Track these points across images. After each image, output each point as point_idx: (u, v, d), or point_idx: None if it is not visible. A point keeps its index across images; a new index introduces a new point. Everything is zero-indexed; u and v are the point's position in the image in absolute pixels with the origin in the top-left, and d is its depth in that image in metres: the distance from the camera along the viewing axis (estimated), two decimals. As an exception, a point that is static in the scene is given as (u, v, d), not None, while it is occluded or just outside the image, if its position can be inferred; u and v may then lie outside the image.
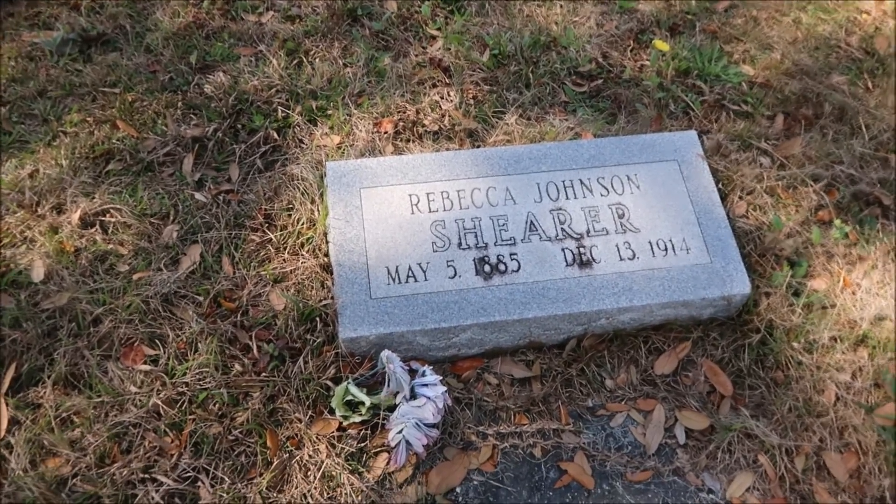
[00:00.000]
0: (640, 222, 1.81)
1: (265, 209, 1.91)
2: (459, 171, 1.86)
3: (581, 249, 1.76)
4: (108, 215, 1.87)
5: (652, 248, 1.77)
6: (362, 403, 1.58)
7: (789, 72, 2.29)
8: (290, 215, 1.89)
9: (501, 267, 1.73)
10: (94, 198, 1.89)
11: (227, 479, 1.50)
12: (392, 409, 1.59)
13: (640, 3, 2.54)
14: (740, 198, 1.95)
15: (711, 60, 2.31)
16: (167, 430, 1.55)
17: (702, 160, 1.91)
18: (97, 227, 1.84)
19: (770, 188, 1.97)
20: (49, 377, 1.59)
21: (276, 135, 2.10)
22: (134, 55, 2.29)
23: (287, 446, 1.56)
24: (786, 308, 1.75)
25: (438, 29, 2.44)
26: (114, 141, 2.04)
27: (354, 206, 1.79)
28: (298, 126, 2.12)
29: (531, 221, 1.80)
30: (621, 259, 1.76)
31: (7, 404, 1.54)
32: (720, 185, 1.93)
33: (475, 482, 1.57)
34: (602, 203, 1.84)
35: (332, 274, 1.74)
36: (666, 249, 1.77)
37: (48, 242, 1.79)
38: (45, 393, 1.57)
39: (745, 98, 2.23)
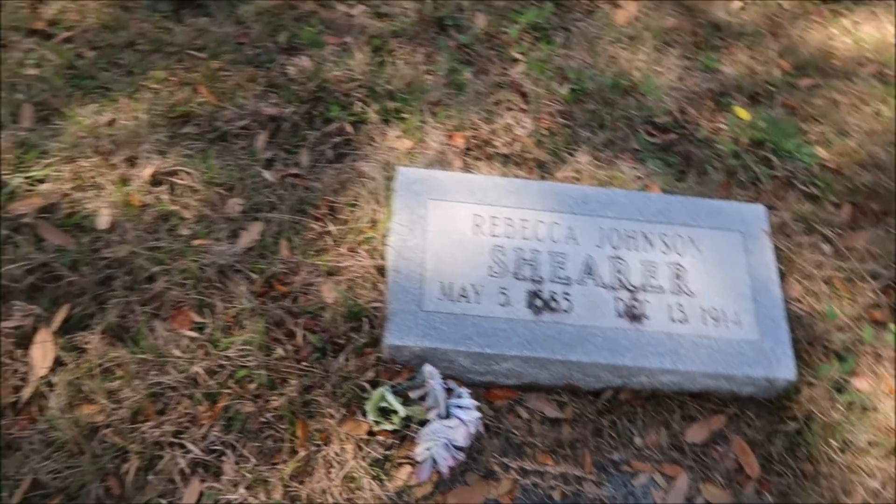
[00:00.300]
0: (696, 287, 1.81)
1: (329, 200, 1.93)
2: (527, 200, 1.87)
3: (634, 302, 1.77)
4: (177, 176, 1.89)
5: (704, 315, 1.78)
6: (396, 412, 1.59)
7: (863, 162, 2.28)
8: (352, 211, 1.91)
9: (553, 304, 1.74)
10: (167, 157, 1.92)
11: (252, 459, 1.51)
12: (424, 423, 1.59)
13: (724, 65, 2.55)
14: (797, 281, 1.95)
15: (787, 136, 2.31)
16: (202, 399, 1.56)
17: (766, 236, 1.91)
18: (166, 186, 1.86)
19: (828, 277, 1.97)
20: (98, 325, 1.61)
21: (350, 128, 2.12)
22: (224, 23, 2.32)
23: (315, 439, 1.57)
24: (827, 402, 1.74)
25: (522, 53, 2.45)
26: (193, 105, 2.06)
27: (419, 216, 1.80)
28: (373, 123, 2.14)
29: (589, 265, 1.80)
30: (672, 320, 1.76)
31: (55, 343, 1.56)
32: (779, 265, 1.92)
33: (490, 512, 1.58)
34: (661, 260, 1.84)
35: (385, 277, 1.75)
36: (717, 319, 1.77)
37: (117, 192, 1.82)
38: (91, 339, 1.59)
39: (815, 181, 2.23)
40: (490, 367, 1.69)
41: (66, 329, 1.61)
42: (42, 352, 1.56)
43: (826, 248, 2.05)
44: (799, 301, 1.92)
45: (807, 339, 1.85)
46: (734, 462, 1.72)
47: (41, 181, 1.82)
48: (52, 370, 1.54)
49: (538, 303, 1.73)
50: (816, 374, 1.78)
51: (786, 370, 1.73)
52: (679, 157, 2.25)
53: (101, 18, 2.22)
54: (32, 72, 2.04)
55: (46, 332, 1.59)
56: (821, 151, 2.33)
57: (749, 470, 1.70)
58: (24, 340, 1.57)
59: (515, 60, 2.44)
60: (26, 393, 1.53)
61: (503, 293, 1.73)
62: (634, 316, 1.75)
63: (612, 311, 1.75)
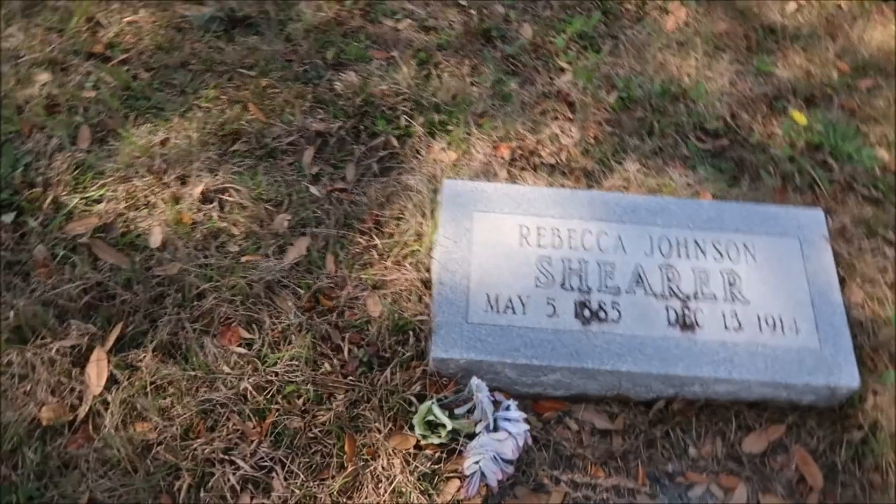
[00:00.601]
0: (751, 294, 1.75)
1: (375, 214, 1.94)
2: (574, 210, 1.84)
3: (686, 311, 1.72)
4: (226, 194, 1.93)
5: (759, 323, 1.72)
6: (443, 426, 1.58)
7: (928, 163, 2.18)
8: (398, 225, 1.91)
9: (602, 314, 1.70)
10: (217, 175, 1.96)
11: (301, 475, 1.52)
12: (471, 436, 1.58)
13: (778, 68, 2.47)
14: (859, 286, 1.87)
15: (846, 139, 2.22)
16: (251, 415, 1.58)
17: (825, 241, 1.84)
18: (216, 203, 1.90)
19: (892, 282, 1.88)
20: (150, 342, 1.64)
21: (395, 142, 2.13)
22: (274, 42, 2.36)
23: (363, 454, 1.56)
24: (893, 410, 1.66)
25: (569, 63, 2.43)
26: (243, 122, 2.10)
27: (465, 228, 1.79)
28: (418, 137, 2.14)
29: (639, 273, 1.76)
30: (726, 328, 1.70)
31: (109, 361, 1.60)
32: (839, 271, 1.85)
33: (541, 527, 1.55)
34: (714, 267, 1.79)
35: (431, 290, 1.75)
36: (774, 327, 1.71)
37: (168, 211, 1.86)
38: (144, 357, 1.62)
39: (877, 183, 2.14)
40: (537, 379, 1.66)
41: (119, 347, 1.65)
42: (97, 370, 1.60)
43: (889, 252, 1.96)
44: (861, 307, 1.84)
45: (871, 346, 1.77)
46: (795, 473, 1.65)
47: (97, 201, 1.88)
48: (107, 388, 1.58)
49: (586, 313, 1.70)
50: (882, 380, 1.69)
51: (848, 378, 1.65)
52: (731, 162, 2.19)
53: (155, 40, 2.29)
54: (90, 94, 2.11)
55: (101, 350, 1.63)
56: (882, 154, 2.23)
57: (812, 481, 1.63)
58: (80, 359, 1.62)
59: (562, 70, 2.42)
60: (82, 411, 1.57)
61: (550, 304, 1.70)
62: (686, 325, 1.70)
63: (664, 320, 1.70)
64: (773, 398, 1.70)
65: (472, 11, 2.56)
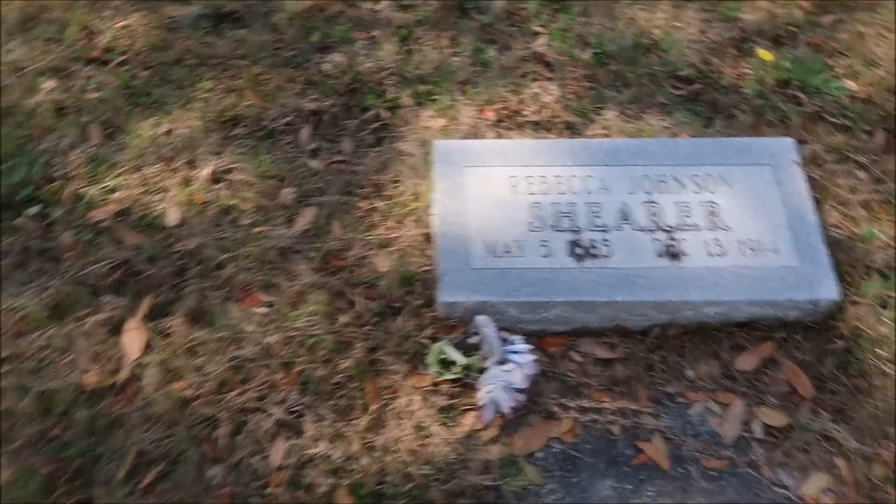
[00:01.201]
0: (731, 221, 1.87)
1: (374, 180, 2.06)
2: (558, 158, 1.97)
3: (671, 242, 1.84)
4: (233, 173, 2.05)
5: (741, 247, 1.84)
6: (455, 363, 1.70)
7: (893, 88, 2.30)
8: (396, 187, 2.04)
9: (593, 251, 1.82)
10: (222, 157, 2.08)
11: (329, 417, 1.65)
12: (482, 371, 1.70)
13: (744, 13, 2.59)
14: (833, 207, 1.99)
15: (813, 73, 2.34)
16: (278, 367, 1.71)
17: (797, 167, 1.96)
18: (223, 183, 2.02)
19: (865, 201, 2.00)
20: (178, 311, 1.77)
21: (385, 114, 2.25)
22: (261, 32, 2.48)
23: (384, 395, 1.69)
24: (873, 318, 1.78)
25: (542, 26, 2.54)
26: (240, 108, 2.22)
27: (458, 183, 1.91)
28: (407, 107, 2.26)
29: (624, 211, 1.88)
30: (710, 255, 1.83)
31: (144, 329, 1.73)
32: (815, 195, 1.97)
33: (555, 450, 1.67)
34: (694, 199, 1.91)
35: (432, 243, 1.87)
36: (755, 250, 1.83)
37: (181, 193, 1.98)
38: (174, 324, 1.75)
39: (846, 112, 2.26)
40: (539, 315, 1.79)
41: (151, 317, 1.77)
42: (132, 338, 1.72)
43: (861, 174, 2.08)
44: (837, 227, 1.96)
45: (848, 262, 1.89)
46: (787, 385, 1.77)
47: (113, 190, 2.00)
48: (143, 354, 1.71)
49: (579, 251, 1.82)
50: (860, 292, 1.82)
51: (828, 290, 1.78)
52: (706, 105, 2.31)
53: (149, 41, 2.41)
54: (94, 95, 2.23)
55: (134, 320, 1.75)
56: (849, 84, 2.35)
57: (802, 391, 1.75)
58: (116, 330, 1.75)
59: (536, 34, 2.53)
60: (122, 375, 1.69)
61: (544, 245, 1.83)
62: (673, 254, 1.82)
63: (651, 252, 1.82)
64: (762, 316, 1.82)
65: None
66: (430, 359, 1.71)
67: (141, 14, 2.51)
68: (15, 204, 1.95)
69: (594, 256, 1.82)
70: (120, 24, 2.48)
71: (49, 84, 2.27)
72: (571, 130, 2.20)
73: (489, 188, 1.91)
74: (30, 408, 1.62)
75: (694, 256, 1.82)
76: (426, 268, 1.85)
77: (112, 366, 1.70)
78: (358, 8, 2.62)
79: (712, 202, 1.91)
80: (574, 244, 1.83)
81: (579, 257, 1.81)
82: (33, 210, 1.93)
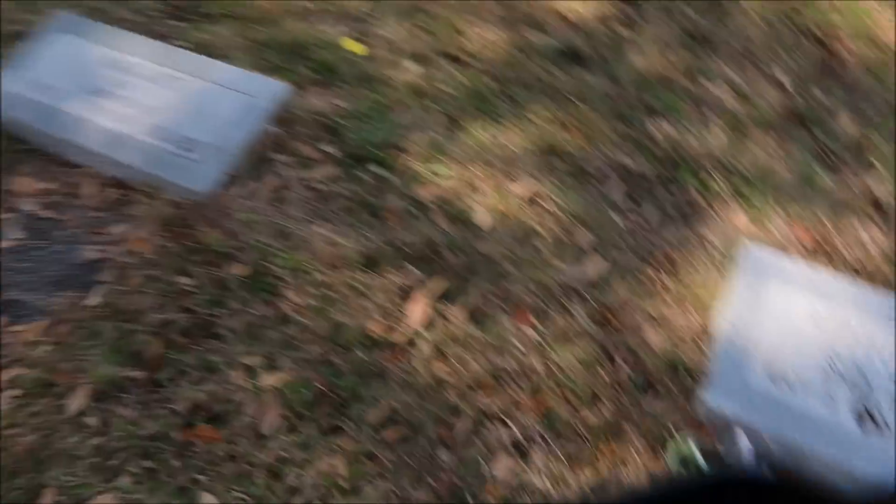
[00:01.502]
0: None
1: (670, 255, 2.08)
2: (873, 312, 1.87)
3: (971, 443, 1.68)
4: (545, 201, 2.17)
5: None
6: (693, 463, 1.68)
7: None
8: (689, 271, 2.05)
9: (877, 417, 1.71)
10: (540, 182, 2.21)
11: (560, 457, 1.70)
12: (719, 483, 1.66)
13: None
14: None
15: None
16: (529, 390, 1.79)
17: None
18: (536, 206, 2.15)
19: None
20: (462, 303, 1.92)
21: (698, 196, 2.26)
22: (602, 80, 2.60)
23: (616, 461, 1.71)
24: None
25: (886, 164, 2.42)
26: (565, 142, 2.35)
27: (757, 293, 1.89)
28: (721, 198, 2.26)
29: (928, 393, 1.75)
30: None
31: (430, 306, 1.89)
32: None
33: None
34: None
35: (711, 341, 1.86)
36: None
37: (495, 200, 2.14)
38: (455, 313, 1.90)
39: None
40: (797, 464, 1.71)
41: (438, 297, 1.93)
42: (418, 309, 1.89)
43: None
44: None
45: None
46: None
47: (441, 176, 2.20)
48: (424, 327, 1.87)
49: (864, 414, 1.72)
50: None
51: None
52: None
53: (505, 57, 2.62)
54: (447, 89, 2.47)
55: (424, 294, 1.93)
56: None
57: None
58: (406, 296, 1.93)
59: (876, 170, 2.41)
60: (400, 337, 1.86)
61: (829, 395, 1.75)
62: (969, 458, 1.66)
63: (944, 445, 1.68)
64: None
65: (794, 93, 2.63)
66: (672, 447, 1.71)
67: (506, 32, 2.73)
68: (363, 158, 2.21)
69: (879, 426, 1.70)
70: (485, 34, 2.71)
71: (413, 67, 2.55)
72: (891, 287, 2.08)
73: (789, 312, 1.86)
74: (322, 330, 1.84)
75: None
76: (696, 360, 1.85)
77: (395, 325, 1.87)
78: (698, 84, 2.65)
79: None
80: (861, 406, 1.73)
81: (863, 421, 1.71)
82: (375, 168, 2.18)
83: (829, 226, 2.21)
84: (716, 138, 2.43)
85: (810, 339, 1.82)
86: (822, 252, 2.15)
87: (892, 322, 1.85)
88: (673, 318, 1.94)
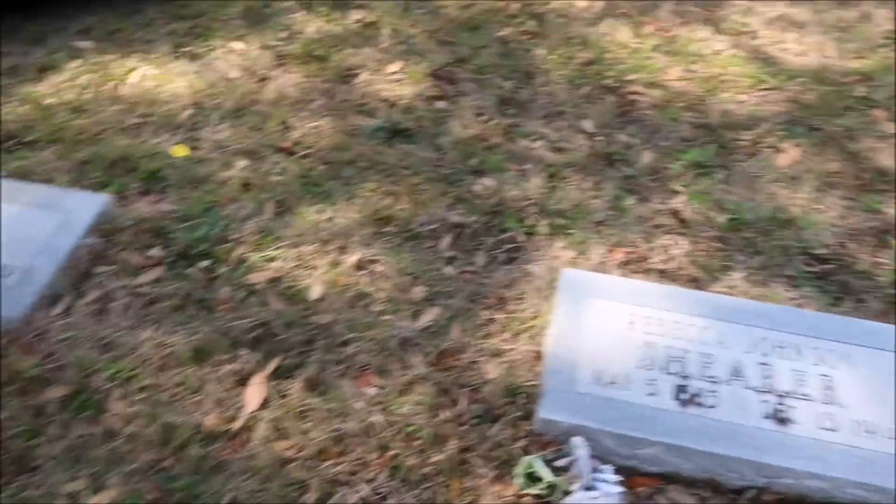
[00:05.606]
0: (848, 399, 1.85)
1: (499, 294, 2.21)
2: (680, 306, 2.04)
3: (780, 406, 1.83)
4: (375, 265, 2.27)
5: (855, 427, 1.79)
6: (541, 479, 1.74)
7: None
8: (518, 304, 2.17)
9: (698, 399, 1.85)
10: (370, 248, 2.32)
11: None
12: (567, 494, 1.73)
13: (886, 206, 2.61)
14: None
15: (957, 274, 2.30)
16: (375, 447, 1.82)
17: (923, 359, 1.91)
18: (366, 271, 2.25)
19: None
20: (300, 376, 1.95)
21: (522, 237, 2.43)
22: (426, 149, 2.78)
23: (467, 496, 1.75)
24: None
25: (684, 186, 2.68)
26: (394, 210, 2.48)
27: (577, 311, 2.02)
28: (542, 236, 2.43)
29: (736, 367, 1.91)
30: (820, 428, 1.80)
31: (267, 386, 1.91)
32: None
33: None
34: (812, 370, 1.90)
35: (542, 362, 1.96)
36: (871, 433, 1.79)
37: (327, 273, 2.22)
38: (293, 387, 1.92)
39: None
40: (634, 451, 1.81)
41: (275, 376, 1.96)
42: (254, 392, 1.91)
43: None
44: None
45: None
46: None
47: (272, 259, 2.27)
48: (260, 408, 1.88)
49: (684, 396, 1.85)
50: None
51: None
52: (835, 285, 2.31)
53: (332, 142, 2.77)
54: (276, 178, 2.58)
55: (260, 376, 1.95)
56: None
57: None
58: (243, 381, 1.94)
59: (676, 192, 2.67)
60: (237, 424, 1.86)
61: (651, 384, 1.87)
62: (780, 419, 1.81)
63: (758, 412, 1.82)
64: (865, 500, 1.74)
65: (599, 138, 2.90)
66: (518, 470, 1.77)
67: (331, 119, 2.89)
68: (190, 256, 2.26)
69: (698, 405, 1.83)
70: (312, 124, 2.87)
71: (242, 163, 2.66)
72: (695, 283, 2.27)
73: (607, 321, 2.00)
74: (152, 436, 1.82)
75: (802, 426, 1.80)
76: (532, 383, 1.94)
77: (231, 413, 1.88)
78: (516, 143, 2.88)
79: (830, 377, 1.89)
80: (680, 389, 1.86)
81: (684, 402, 1.84)
82: (204, 263, 2.23)
83: (640, 243, 2.41)
84: (534, 186, 2.63)
85: (629, 339, 1.96)
86: (636, 264, 2.33)
87: (701, 314, 2.01)
88: (507, 349, 2.05)
